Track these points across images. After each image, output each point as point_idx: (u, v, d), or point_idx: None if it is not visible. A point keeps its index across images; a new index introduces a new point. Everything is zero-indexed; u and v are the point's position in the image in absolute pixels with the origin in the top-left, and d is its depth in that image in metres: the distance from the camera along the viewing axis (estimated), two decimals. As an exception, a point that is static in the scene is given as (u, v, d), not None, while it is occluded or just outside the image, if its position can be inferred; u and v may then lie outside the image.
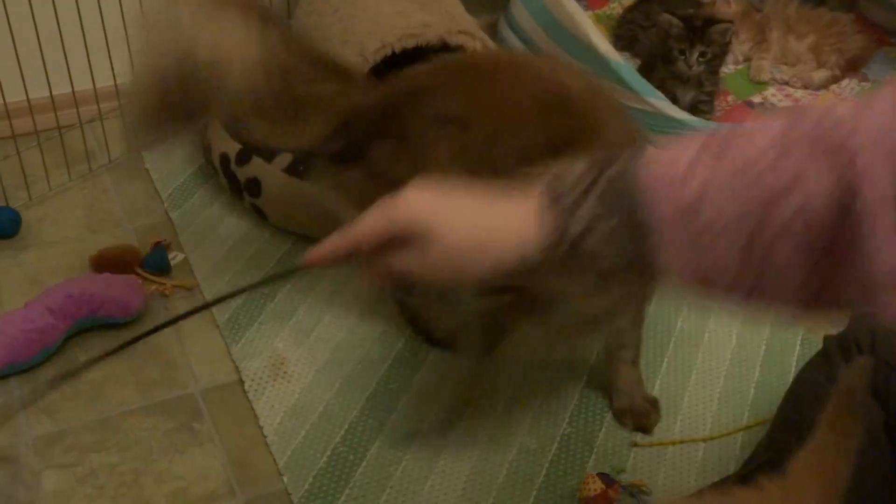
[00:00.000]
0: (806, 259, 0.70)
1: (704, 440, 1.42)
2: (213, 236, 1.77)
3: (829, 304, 0.73)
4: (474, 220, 0.79)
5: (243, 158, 1.75)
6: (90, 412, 1.44)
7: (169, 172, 1.93)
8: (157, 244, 1.72)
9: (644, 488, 1.34)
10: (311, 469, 1.36)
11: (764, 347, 1.58)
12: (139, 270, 1.66)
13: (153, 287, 1.64)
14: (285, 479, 1.35)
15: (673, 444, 1.41)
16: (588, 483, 1.32)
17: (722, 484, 1.28)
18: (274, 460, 1.37)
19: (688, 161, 0.73)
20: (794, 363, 1.54)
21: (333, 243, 0.84)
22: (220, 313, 1.60)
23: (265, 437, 1.41)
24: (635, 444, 1.41)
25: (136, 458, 1.38)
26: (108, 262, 1.66)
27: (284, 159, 1.71)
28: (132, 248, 1.70)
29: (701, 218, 0.72)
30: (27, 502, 1.31)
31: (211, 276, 1.68)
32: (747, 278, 0.73)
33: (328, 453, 1.39)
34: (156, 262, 1.69)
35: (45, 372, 1.49)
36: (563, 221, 0.76)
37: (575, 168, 0.77)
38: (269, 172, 1.72)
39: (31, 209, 1.82)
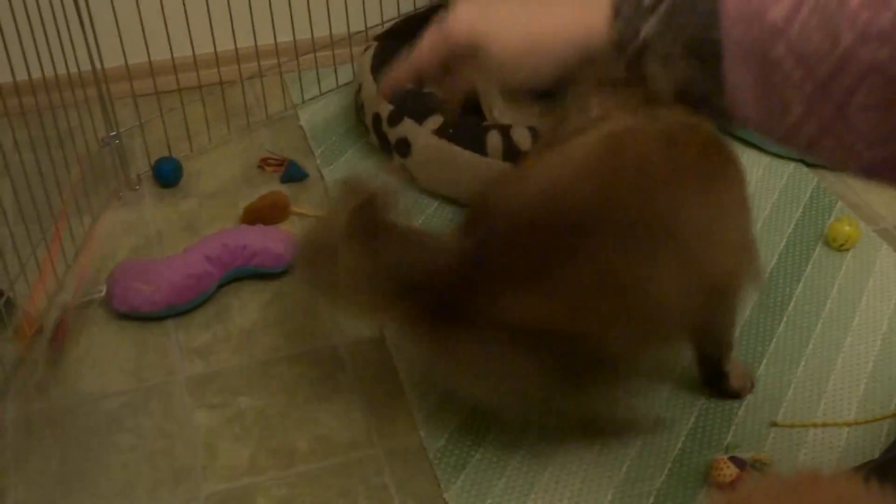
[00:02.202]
0: (887, 117, 0.67)
1: (848, 425, 1.38)
2: (362, 194, 1.81)
3: None
4: (526, 24, 0.81)
5: (395, 118, 1.78)
6: (240, 357, 1.50)
7: (322, 130, 1.98)
8: (287, 161, 1.85)
9: (766, 460, 1.31)
10: (447, 424, 1.39)
11: (918, 334, 1.52)
12: (282, 189, 1.81)
13: (303, 240, 1.69)
14: (422, 432, 1.38)
15: (815, 426, 1.38)
16: (721, 468, 1.29)
17: (860, 469, 1.25)
18: (411, 414, 1.41)
19: None
20: (950, 353, 1.49)
21: (399, 69, 0.92)
22: (366, 269, 1.65)
23: (404, 391, 1.44)
24: (775, 424, 1.38)
25: (282, 403, 1.43)
26: (260, 213, 1.73)
27: (435, 121, 1.73)
28: (283, 198, 1.76)
29: (777, 49, 0.69)
30: (178, 438, 1.38)
31: (358, 232, 1.72)
32: (812, 126, 0.70)
33: (465, 410, 1.41)
34: (292, 175, 1.83)
35: (199, 316, 1.57)
36: (625, 33, 0.76)
37: None
38: (420, 133, 1.75)
39: (191, 160, 1.90)
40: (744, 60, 0.71)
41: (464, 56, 0.84)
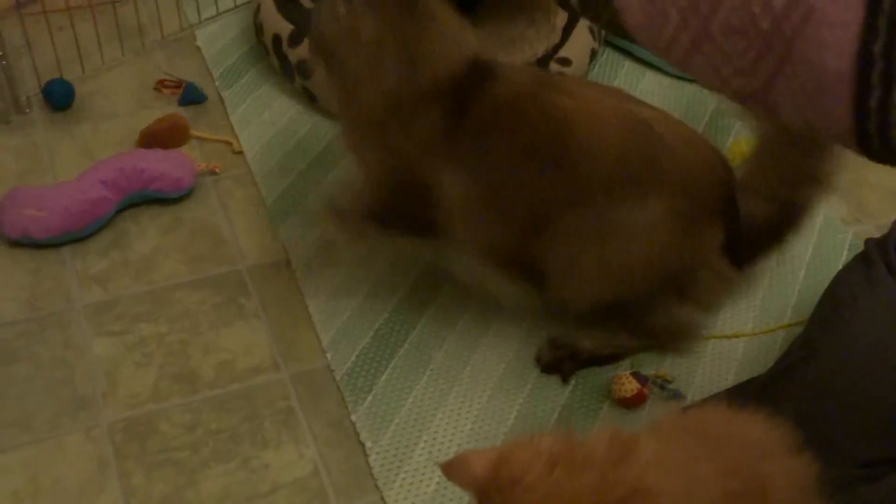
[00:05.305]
0: (749, 45, 0.70)
1: (745, 336, 1.42)
2: (263, 117, 1.78)
3: (772, 103, 0.73)
4: None
5: (295, 40, 1.74)
6: (140, 283, 1.47)
7: (221, 51, 1.93)
8: (185, 83, 1.81)
9: (668, 377, 1.35)
10: (354, 348, 1.39)
11: (811, 251, 1.56)
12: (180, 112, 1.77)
13: (203, 164, 1.65)
14: (329, 356, 1.37)
15: (714, 338, 1.42)
16: (623, 384, 1.32)
17: (754, 380, 1.29)
18: (318, 337, 1.40)
19: None
20: (840, 267, 1.53)
21: None
22: (269, 193, 1.62)
23: (310, 314, 1.43)
24: (676, 339, 1.41)
25: (184, 329, 1.41)
26: (158, 137, 1.68)
27: (336, 41, 1.69)
28: (182, 121, 1.71)
29: None
30: (78, 367, 1.35)
31: (260, 156, 1.69)
32: (685, 39, 0.73)
33: (371, 333, 1.41)
34: (191, 98, 1.79)
35: (96, 242, 1.52)
36: None
37: None
38: (321, 54, 1.70)
39: (84, 83, 1.83)
40: None
41: None
